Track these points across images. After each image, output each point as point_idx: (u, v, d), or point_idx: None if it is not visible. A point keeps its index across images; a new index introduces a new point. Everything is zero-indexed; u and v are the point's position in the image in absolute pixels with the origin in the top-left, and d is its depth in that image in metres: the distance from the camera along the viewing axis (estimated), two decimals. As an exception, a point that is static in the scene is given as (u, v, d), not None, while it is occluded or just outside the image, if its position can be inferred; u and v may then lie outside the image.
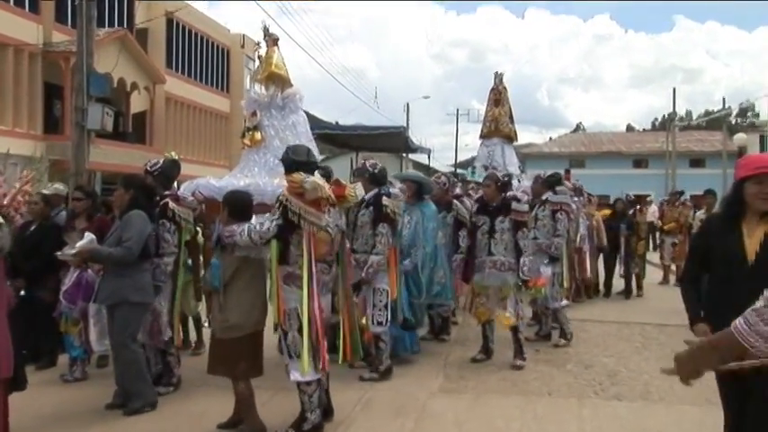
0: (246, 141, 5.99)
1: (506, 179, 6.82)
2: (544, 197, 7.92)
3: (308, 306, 4.42)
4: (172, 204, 5.55)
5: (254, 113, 6.01)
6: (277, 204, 4.47)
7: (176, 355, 5.84)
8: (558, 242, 7.72)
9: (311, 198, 4.42)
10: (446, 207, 7.68)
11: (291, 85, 6.12)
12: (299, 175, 4.48)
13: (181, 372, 5.87)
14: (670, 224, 12.78)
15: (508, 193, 6.71)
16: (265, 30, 6.01)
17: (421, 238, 6.95)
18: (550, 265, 7.69)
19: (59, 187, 7.23)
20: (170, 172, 5.97)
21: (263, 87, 6.08)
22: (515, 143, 11.28)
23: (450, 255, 7.33)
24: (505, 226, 6.59)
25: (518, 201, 6.63)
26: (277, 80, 6.05)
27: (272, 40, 6.04)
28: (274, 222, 4.41)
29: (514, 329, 6.68)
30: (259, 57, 6.03)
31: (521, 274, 6.52)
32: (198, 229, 6.33)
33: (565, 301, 7.96)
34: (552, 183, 8.11)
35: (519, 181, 10.04)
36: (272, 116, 6.03)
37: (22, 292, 6.43)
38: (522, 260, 6.51)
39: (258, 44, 6.03)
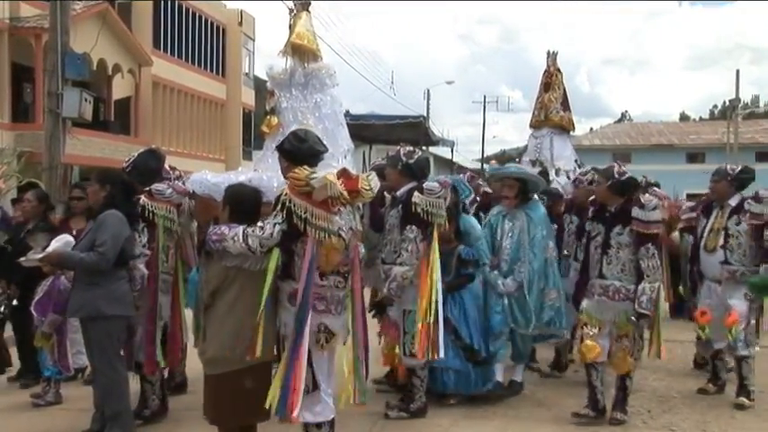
0: (264, 128, 5.78)
1: (627, 176, 5.87)
2: (735, 203, 6.50)
3: (297, 330, 4.18)
4: (143, 199, 5.47)
5: (272, 94, 5.77)
6: (279, 206, 4.26)
7: (155, 383, 5.71)
8: None
9: (320, 198, 4.20)
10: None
11: (319, 59, 5.83)
12: (303, 171, 4.27)
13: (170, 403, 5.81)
14: None
15: (642, 196, 5.87)
16: None
17: (527, 251, 6.34)
18: (746, 299, 6.43)
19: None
20: (145, 165, 5.77)
21: (286, 62, 5.83)
22: (572, 134, 10.88)
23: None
24: (623, 240, 5.72)
25: (642, 207, 5.73)
26: (299, 53, 5.75)
27: (301, 5, 5.80)
28: (277, 227, 4.20)
29: (625, 375, 5.94)
30: (289, 27, 5.80)
31: (636, 306, 5.62)
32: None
33: (757, 348, 6.64)
34: (744, 181, 6.62)
35: (568, 177, 9.50)
36: (292, 97, 5.74)
37: (15, 302, 6.59)
38: (641, 286, 5.62)
39: (292, 11, 5.81)
